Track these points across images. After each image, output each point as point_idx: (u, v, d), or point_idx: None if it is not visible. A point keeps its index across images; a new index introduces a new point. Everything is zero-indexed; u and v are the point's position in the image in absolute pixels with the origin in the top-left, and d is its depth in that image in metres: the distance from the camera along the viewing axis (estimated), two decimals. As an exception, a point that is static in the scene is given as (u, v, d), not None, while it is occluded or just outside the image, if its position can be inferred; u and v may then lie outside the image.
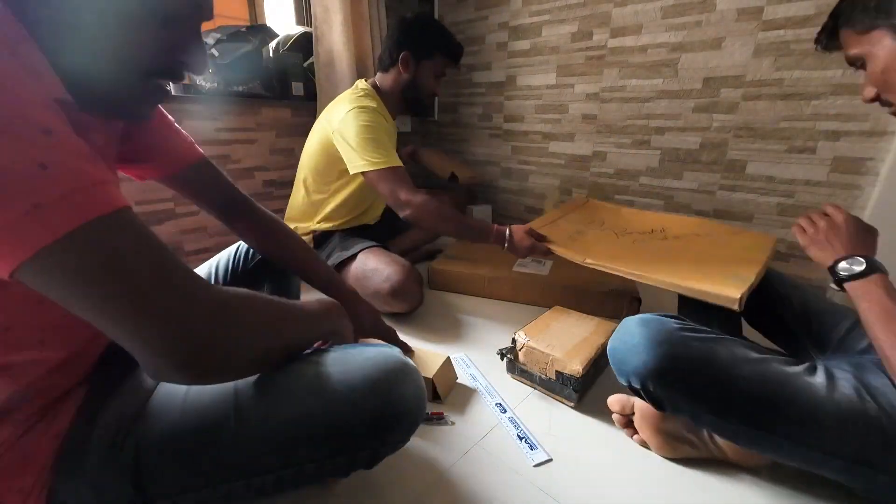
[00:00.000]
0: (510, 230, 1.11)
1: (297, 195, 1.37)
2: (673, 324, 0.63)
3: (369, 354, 0.48)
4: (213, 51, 1.48)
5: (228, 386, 0.46)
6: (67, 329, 0.43)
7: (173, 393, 0.46)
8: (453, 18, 2.19)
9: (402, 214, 1.15)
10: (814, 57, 1.27)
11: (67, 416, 0.42)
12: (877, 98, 0.60)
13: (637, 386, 0.63)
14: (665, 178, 1.68)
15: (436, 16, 2.22)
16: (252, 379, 0.46)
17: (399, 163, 1.18)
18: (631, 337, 0.63)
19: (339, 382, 0.45)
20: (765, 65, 1.37)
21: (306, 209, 1.35)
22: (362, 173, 1.15)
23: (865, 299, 0.57)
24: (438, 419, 0.81)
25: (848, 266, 0.60)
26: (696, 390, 0.58)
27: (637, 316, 0.67)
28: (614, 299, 1.22)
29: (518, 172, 2.17)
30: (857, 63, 0.60)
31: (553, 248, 1.05)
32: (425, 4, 2.23)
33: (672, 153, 1.64)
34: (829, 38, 0.63)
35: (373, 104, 1.23)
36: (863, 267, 0.59)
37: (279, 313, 0.45)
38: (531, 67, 1.96)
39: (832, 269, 0.62)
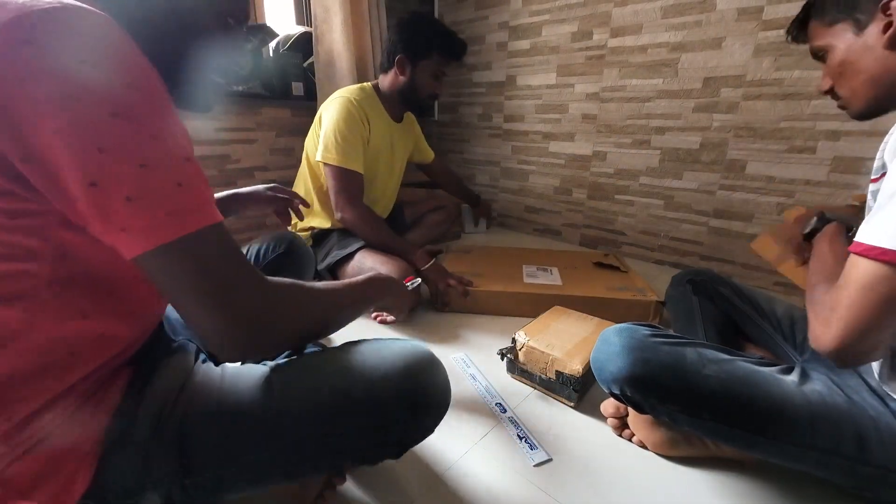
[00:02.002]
0: (436, 258, 1.30)
1: (300, 188, 1.39)
2: (644, 331, 0.66)
3: (401, 346, 0.53)
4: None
5: (263, 369, 0.50)
6: (151, 307, 0.47)
7: (213, 370, 0.51)
8: (453, 18, 2.19)
9: (336, 216, 1.26)
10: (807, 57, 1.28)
11: (117, 391, 0.45)
12: (831, 90, 0.64)
13: (617, 392, 0.65)
14: (665, 178, 1.68)
15: (436, 15, 2.22)
16: (288, 364, 0.51)
17: (357, 167, 1.23)
18: (608, 346, 0.66)
19: (374, 369, 0.49)
20: (765, 65, 1.37)
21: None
22: (323, 163, 1.23)
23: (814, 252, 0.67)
24: (411, 283, 0.81)
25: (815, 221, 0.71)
26: (668, 392, 0.61)
27: (615, 326, 0.69)
28: (640, 306, 1.18)
29: (518, 172, 2.17)
30: (820, 55, 0.63)
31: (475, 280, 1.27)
32: (425, 4, 2.23)
33: (672, 153, 1.64)
34: (799, 29, 0.66)
35: (363, 100, 1.26)
36: (813, 222, 0.71)
37: (324, 299, 0.52)
38: (531, 67, 1.96)
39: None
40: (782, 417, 0.56)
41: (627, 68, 1.67)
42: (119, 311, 0.43)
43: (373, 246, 1.26)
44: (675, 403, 0.61)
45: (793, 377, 0.60)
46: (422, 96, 1.31)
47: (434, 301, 1.29)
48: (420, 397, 0.50)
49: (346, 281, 0.58)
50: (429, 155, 1.65)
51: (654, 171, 1.70)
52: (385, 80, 1.31)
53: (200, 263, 0.38)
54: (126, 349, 0.46)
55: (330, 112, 1.23)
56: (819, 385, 0.59)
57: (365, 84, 1.34)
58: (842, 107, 0.64)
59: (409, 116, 1.49)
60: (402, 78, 1.27)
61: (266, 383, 0.48)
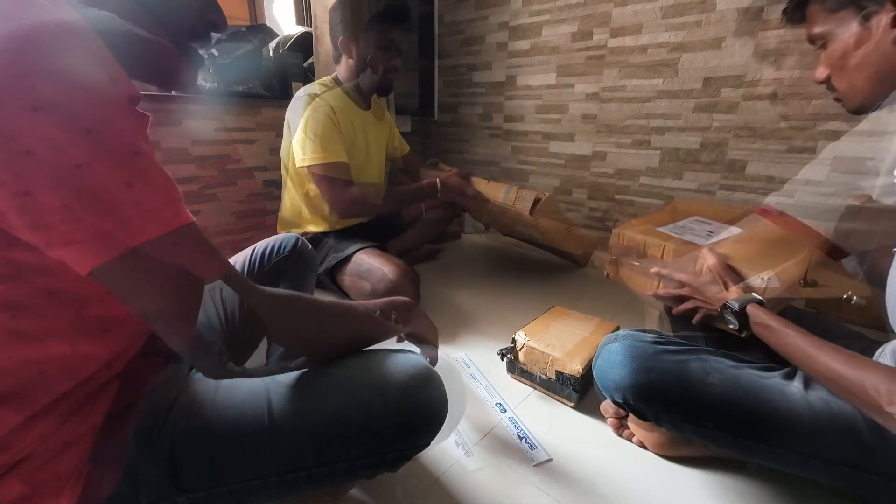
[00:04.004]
0: (440, 178, 1.31)
1: (286, 198, 1.37)
2: (647, 339, 0.65)
3: (397, 361, 0.52)
4: (213, 50, 1.48)
5: (259, 384, 0.48)
6: (129, 323, 0.44)
7: (205, 388, 0.48)
8: (453, 18, 2.19)
9: (333, 212, 1.25)
10: (814, 56, 1.27)
11: (103, 407, 0.43)
12: (827, 80, 0.60)
13: (619, 401, 0.65)
14: (665, 178, 1.68)
15: (436, 15, 2.22)
16: (285, 379, 0.49)
17: (339, 158, 1.21)
18: (610, 354, 0.66)
19: (370, 386, 0.48)
20: (765, 65, 1.37)
21: (296, 211, 1.35)
22: (306, 167, 1.20)
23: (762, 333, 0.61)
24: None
25: (729, 316, 0.64)
26: (672, 402, 0.60)
27: (617, 333, 0.69)
28: None
29: (518, 172, 2.17)
30: (819, 42, 0.59)
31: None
32: (425, 4, 2.23)
33: (672, 153, 1.64)
34: (797, 9, 0.61)
35: (325, 94, 1.23)
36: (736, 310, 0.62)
37: (325, 315, 0.50)
38: (531, 67, 1.96)
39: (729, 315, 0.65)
40: (787, 427, 0.55)
41: (627, 68, 1.66)
42: (90, 330, 0.39)
43: (392, 209, 1.31)
44: (679, 413, 0.60)
45: (797, 383, 0.59)
46: (377, 73, 1.26)
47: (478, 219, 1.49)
48: (416, 418, 0.49)
49: (365, 302, 0.56)
50: (404, 148, 1.59)
51: (654, 172, 1.70)
52: (341, 71, 1.30)
53: (161, 278, 0.33)
54: (109, 365, 0.44)
55: (296, 115, 1.20)
56: (823, 391, 0.57)
57: (324, 79, 1.31)
58: (837, 99, 0.61)
59: (379, 105, 1.45)
60: (351, 61, 1.24)
61: (260, 401, 0.46)
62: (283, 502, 0.61)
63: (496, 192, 1.35)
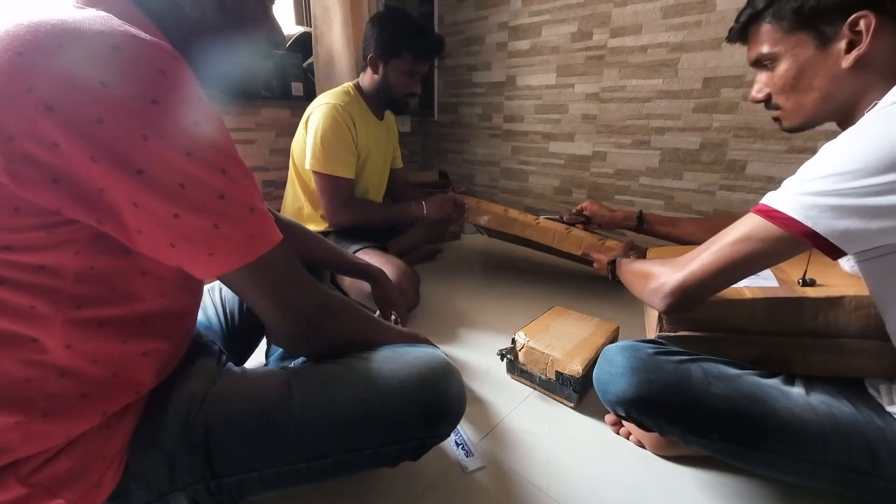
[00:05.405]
0: (425, 201, 1.36)
1: (288, 195, 1.38)
2: (648, 349, 0.63)
3: (416, 354, 0.54)
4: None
5: (282, 375, 0.51)
6: (126, 322, 0.47)
7: (234, 375, 0.52)
8: (453, 18, 2.19)
9: (327, 220, 1.30)
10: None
11: (102, 407, 0.45)
12: (766, 99, 0.61)
13: (622, 414, 0.63)
14: (665, 179, 1.68)
15: (435, 16, 2.22)
16: (307, 371, 0.52)
17: (345, 173, 1.24)
18: (611, 366, 0.64)
19: (390, 378, 0.50)
20: (765, 65, 1.37)
21: (297, 209, 1.35)
22: (312, 171, 1.24)
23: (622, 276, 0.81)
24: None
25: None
26: (675, 413, 0.59)
27: (617, 344, 0.67)
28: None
29: (518, 172, 2.17)
30: (764, 61, 0.59)
31: (471, 204, 1.40)
32: (425, 5, 2.23)
33: (672, 153, 1.64)
34: (745, 28, 0.61)
35: (348, 104, 1.26)
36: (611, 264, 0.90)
37: (366, 319, 0.58)
38: (531, 67, 1.96)
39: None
40: (793, 432, 0.54)
41: (627, 68, 1.66)
42: (86, 330, 0.41)
43: (379, 226, 1.35)
44: (683, 424, 0.59)
45: (798, 389, 0.58)
46: (396, 95, 1.30)
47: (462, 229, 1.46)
48: (436, 407, 0.51)
49: (396, 327, 0.64)
50: (398, 162, 1.63)
51: (654, 172, 1.70)
52: (364, 78, 1.32)
53: (273, 275, 0.44)
54: (106, 365, 0.46)
55: (316, 120, 1.23)
56: (825, 395, 0.57)
57: (348, 85, 1.34)
58: (776, 118, 0.62)
59: (389, 115, 1.49)
60: (376, 77, 1.28)
61: (286, 392, 0.49)
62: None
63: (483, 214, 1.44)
